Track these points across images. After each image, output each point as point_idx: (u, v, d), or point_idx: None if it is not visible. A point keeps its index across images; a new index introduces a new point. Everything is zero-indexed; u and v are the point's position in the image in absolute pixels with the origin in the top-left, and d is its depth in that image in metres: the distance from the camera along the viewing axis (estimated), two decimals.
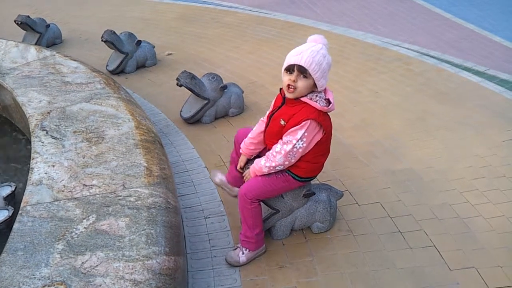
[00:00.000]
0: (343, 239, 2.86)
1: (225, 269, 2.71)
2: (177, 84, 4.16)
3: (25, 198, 2.42)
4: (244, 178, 2.71)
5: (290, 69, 2.32)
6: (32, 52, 4.68)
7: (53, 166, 2.70)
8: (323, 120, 2.40)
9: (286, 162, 2.45)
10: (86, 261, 2.01)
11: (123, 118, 3.23)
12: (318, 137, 2.44)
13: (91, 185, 2.52)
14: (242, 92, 4.50)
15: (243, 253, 2.71)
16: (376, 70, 5.19)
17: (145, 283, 1.91)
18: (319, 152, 2.52)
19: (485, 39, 5.89)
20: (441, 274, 2.54)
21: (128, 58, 5.66)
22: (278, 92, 2.59)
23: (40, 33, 6.80)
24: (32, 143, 2.99)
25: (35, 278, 1.93)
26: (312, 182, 2.83)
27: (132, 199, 2.39)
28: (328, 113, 2.48)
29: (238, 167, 2.81)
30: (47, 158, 2.78)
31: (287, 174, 2.57)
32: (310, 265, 2.68)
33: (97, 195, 2.43)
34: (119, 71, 5.68)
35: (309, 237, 2.89)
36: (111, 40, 5.45)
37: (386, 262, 2.66)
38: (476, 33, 6.13)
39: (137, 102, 3.88)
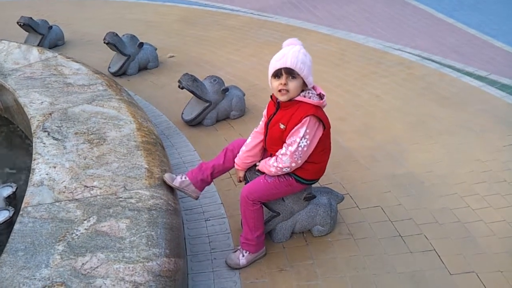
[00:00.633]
0: (343, 242, 2.86)
1: (225, 272, 2.71)
2: (179, 87, 4.16)
3: (26, 199, 2.43)
4: (257, 167, 2.69)
5: (277, 74, 2.36)
6: (34, 53, 4.70)
7: (55, 167, 2.71)
8: (321, 114, 2.43)
9: (293, 164, 2.45)
10: (87, 262, 2.01)
11: (125, 120, 3.23)
12: (319, 133, 2.44)
13: (92, 186, 2.52)
14: (244, 94, 4.50)
15: (243, 255, 2.70)
16: (377, 74, 5.19)
17: (145, 285, 1.92)
18: (322, 148, 2.52)
19: (487, 44, 5.90)
20: (441, 278, 2.54)
21: (130, 60, 5.67)
22: (269, 99, 2.60)
23: (43, 34, 6.82)
24: (33, 144, 2.99)
25: (35, 279, 1.93)
26: (313, 185, 2.83)
27: (133, 200, 2.39)
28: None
29: (238, 180, 2.81)
30: (48, 159, 2.79)
31: (290, 178, 2.57)
32: (310, 268, 2.68)
33: (98, 197, 2.43)
34: (121, 73, 5.68)
35: (310, 240, 2.89)
36: (113, 42, 5.46)
37: (386, 266, 2.65)
38: (478, 38, 6.13)
39: (139, 104, 3.88)
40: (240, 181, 2.82)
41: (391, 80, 5.01)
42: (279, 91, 2.39)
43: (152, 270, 1.99)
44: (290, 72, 2.33)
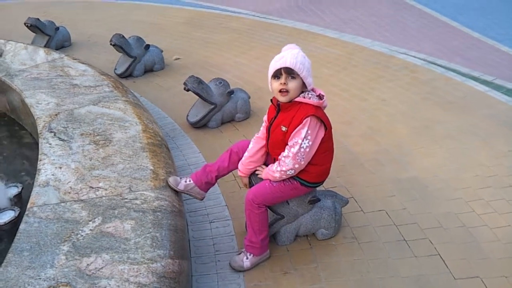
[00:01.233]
0: (347, 246, 2.85)
1: (229, 274, 2.71)
2: (185, 89, 4.18)
3: (31, 199, 2.44)
4: (257, 172, 2.70)
5: (277, 74, 2.40)
6: (41, 54, 4.72)
7: (60, 168, 2.72)
8: (321, 115, 2.44)
9: (296, 165, 2.45)
10: (91, 263, 2.01)
11: (131, 122, 3.25)
12: (321, 133, 2.45)
13: (98, 187, 2.53)
14: (249, 97, 4.51)
15: (247, 258, 2.71)
16: (383, 78, 5.19)
17: (150, 286, 1.92)
18: (324, 150, 2.52)
19: (492, 48, 5.89)
20: (446, 283, 2.53)
21: (136, 62, 5.70)
22: (270, 103, 2.61)
23: (49, 35, 6.86)
24: (39, 144, 3.01)
25: (40, 279, 1.94)
26: (318, 188, 2.83)
27: (138, 202, 2.40)
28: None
29: (244, 185, 2.82)
30: (54, 159, 2.80)
31: (295, 182, 2.57)
32: (314, 272, 2.68)
33: (104, 198, 2.44)
34: (127, 74, 5.71)
35: (314, 244, 2.89)
36: (120, 44, 5.49)
37: (390, 270, 2.65)
38: (483, 42, 6.13)
39: (145, 106, 3.90)
40: (246, 187, 2.82)
41: (396, 84, 5.01)
42: (280, 91, 2.41)
43: (156, 271, 1.99)
44: (289, 72, 2.36)
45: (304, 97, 2.42)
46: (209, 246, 2.93)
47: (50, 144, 2.98)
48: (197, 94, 4.18)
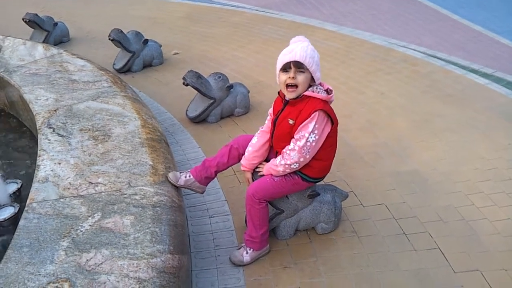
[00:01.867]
0: (347, 240, 2.85)
1: (229, 269, 2.71)
2: (183, 83, 4.17)
3: (31, 195, 2.44)
4: (257, 169, 2.70)
5: (286, 67, 2.38)
6: (40, 50, 4.71)
7: (59, 163, 2.72)
8: (329, 109, 2.43)
9: (302, 159, 2.44)
10: (91, 258, 2.01)
11: (130, 117, 3.24)
12: (328, 128, 2.45)
13: (97, 183, 2.53)
14: (248, 91, 4.50)
15: (247, 252, 2.71)
16: (382, 71, 5.18)
17: (149, 281, 1.92)
18: (329, 145, 2.52)
19: (493, 41, 5.87)
20: (446, 276, 2.54)
21: (135, 57, 5.68)
22: (277, 95, 2.60)
23: (48, 31, 6.84)
24: (38, 140, 3.01)
25: (40, 274, 1.94)
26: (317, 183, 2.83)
27: (137, 197, 2.40)
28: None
29: (247, 182, 2.80)
30: (53, 155, 2.80)
31: (296, 177, 2.57)
32: (314, 266, 2.68)
33: (103, 193, 2.44)
34: (125, 69, 5.70)
35: (314, 238, 2.89)
36: (118, 39, 5.47)
37: (390, 263, 2.65)
38: (483, 35, 6.10)
39: (144, 101, 3.89)
40: (248, 182, 2.80)
41: (395, 77, 5.00)
42: (287, 88, 2.40)
43: (156, 266, 1.99)
44: (299, 66, 2.34)
45: (313, 91, 2.40)
46: (209, 241, 2.93)
47: (49, 140, 2.98)
48: (196, 88, 4.17)
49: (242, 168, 2.74)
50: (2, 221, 2.78)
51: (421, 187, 3.25)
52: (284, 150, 2.49)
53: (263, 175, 2.62)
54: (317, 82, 2.43)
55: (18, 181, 3.17)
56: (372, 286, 2.52)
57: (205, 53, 6.20)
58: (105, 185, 2.51)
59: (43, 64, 4.31)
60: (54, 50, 4.69)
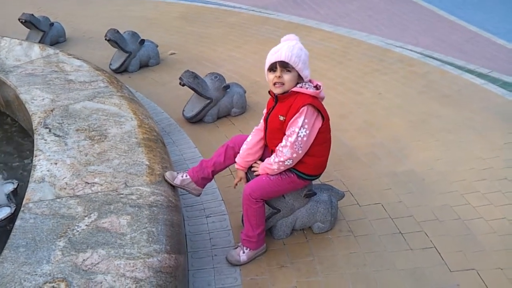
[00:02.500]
0: (344, 239, 2.86)
1: (226, 268, 2.71)
2: (180, 84, 4.17)
3: (27, 195, 2.44)
4: (253, 169, 2.71)
5: (272, 67, 2.42)
6: (36, 50, 4.70)
7: (56, 163, 2.71)
8: (318, 104, 2.45)
9: (294, 155, 2.45)
10: (88, 258, 2.01)
11: (126, 117, 3.24)
12: (318, 123, 2.46)
13: (93, 183, 2.53)
14: (245, 92, 4.50)
15: (243, 252, 2.71)
16: (379, 71, 5.19)
17: (146, 280, 1.92)
18: (322, 141, 2.53)
19: (489, 41, 5.89)
20: (442, 275, 2.54)
21: (131, 57, 5.68)
22: (269, 95, 2.61)
23: (44, 31, 6.83)
24: (35, 140, 3.00)
25: (36, 274, 1.94)
26: (314, 182, 2.83)
27: (133, 197, 2.40)
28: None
29: (238, 180, 2.81)
30: (49, 155, 2.80)
31: (292, 175, 2.58)
32: (310, 265, 2.69)
33: (99, 193, 2.44)
34: (122, 70, 5.69)
35: (310, 237, 2.90)
36: (115, 39, 5.47)
37: (386, 263, 2.66)
38: (479, 35, 6.12)
39: (140, 101, 3.89)
40: (239, 182, 2.81)
41: (392, 77, 5.01)
42: (274, 84, 2.43)
43: (152, 266, 2.00)
44: (284, 66, 2.37)
45: (301, 87, 2.43)
46: (205, 240, 2.93)
47: (46, 140, 2.97)
48: (192, 89, 4.17)
49: (236, 167, 2.75)
50: None
51: (418, 187, 3.26)
52: (277, 147, 2.50)
53: (259, 175, 2.63)
54: (305, 79, 2.46)
55: (14, 181, 3.16)
56: (368, 285, 2.53)
57: (201, 53, 6.20)
58: (101, 185, 2.51)
59: (39, 64, 4.31)
60: (50, 50, 4.68)
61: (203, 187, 2.82)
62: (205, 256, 2.81)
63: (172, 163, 3.06)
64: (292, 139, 2.41)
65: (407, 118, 4.17)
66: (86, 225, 2.21)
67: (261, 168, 2.61)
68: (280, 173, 2.57)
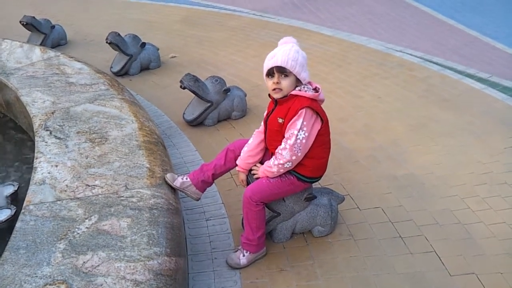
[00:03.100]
0: (344, 243, 2.86)
1: (226, 271, 2.71)
2: (181, 87, 4.18)
3: (28, 197, 2.44)
4: (253, 172, 2.71)
5: (270, 73, 2.43)
6: (37, 52, 4.71)
7: (56, 166, 2.72)
8: (317, 107, 2.45)
9: (294, 157, 2.45)
10: (88, 260, 2.02)
11: (127, 120, 3.24)
12: (317, 126, 2.47)
13: (94, 185, 2.53)
14: (245, 95, 4.51)
15: (243, 255, 2.71)
16: (379, 75, 5.20)
17: (146, 283, 1.92)
18: (321, 143, 2.53)
19: (488, 45, 5.90)
20: (441, 279, 2.54)
21: (132, 60, 5.69)
22: (269, 98, 2.62)
23: (45, 34, 6.84)
24: (35, 142, 3.01)
25: (36, 276, 1.94)
26: (314, 186, 2.83)
27: (134, 199, 2.40)
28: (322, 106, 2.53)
29: (241, 182, 2.81)
30: (50, 158, 2.80)
31: (292, 177, 2.58)
32: (310, 269, 2.69)
33: (100, 196, 2.44)
34: (123, 73, 5.70)
35: (310, 241, 2.90)
36: (116, 42, 5.48)
37: (386, 266, 2.66)
38: (479, 39, 6.14)
39: (141, 104, 3.90)
40: (243, 184, 2.81)
41: (392, 81, 5.02)
42: (273, 89, 2.44)
43: (153, 268, 2.00)
44: (281, 71, 2.38)
45: (300, 90, 2.44)
46: (205, 243, 2.94)
47: (46, 142, 2.98)
48: (193, 92, 4.18)
49: (237, 169, 2.75)
50: None
51: (418, 191, 3.26)
52: (276, 150, 2.51)
53: (258, 178, 2.63)
54: (304, 82, 2.45)
55: (15, 183, 3.17)
56: None
57: (202, 57, 6.21)
58: (102, 187, 2.51)
59: (40, 67, 4.32)
60: (51, 53, 4.69)
61: (203, 191, 2.82)
62: (205, 259, 2.81)
63: (172, 166, 3.07)
64: (291, 141, 2.42)
65: (407, 122, 4.18)
66: (87, 227, 2.21)
67: (261, 171, 2.62)
68: (280, 175, 2.57)
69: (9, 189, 3.11)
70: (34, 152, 2.91)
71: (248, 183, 2.73)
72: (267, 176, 2.59)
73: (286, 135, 2.46)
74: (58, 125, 3.19)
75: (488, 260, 2.64)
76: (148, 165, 2.72)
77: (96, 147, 2.91)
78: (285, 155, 2.45)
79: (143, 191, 2.48)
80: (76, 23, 8.14)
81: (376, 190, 3.30)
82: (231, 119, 4.47)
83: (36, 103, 3.54)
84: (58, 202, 2.39)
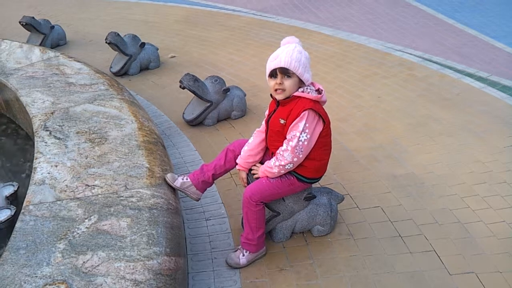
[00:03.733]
0: (343, 242, 2.86)
1: (225, 271, 2.72)
2: (180, 87, 4.18)
3: (27, 198, 2.44)
4: (253, 171, 2.71)
5: (273, 74, 2.42)
6: (36, 53, 4.71)
7: (56, 166, 2.72)
8: (319, 109, 2.45)
9: (295, 159, 2.45)
10: (88, 260, 2.02)
11: (126, 120, 3.25)
12: (319, 127, 2.46)
13: (94, 185, 2.53)
14: (245, 95, 4.51)
15: (243, 255, 2.71)
16: (378, 75, 5.20)
17: (146, 283, 1.92)
18: (322, 145, 2.53)
19: (488, 45, 5.90)
20: (441, 278, 2.55)
21: (132, 60, 5.69)
22: (271, 98, 2.61)
23: (45, 34, 6.84)
24: (35, 143, 3.01)
25: (36, 276, 1.94)
26: (314, 185, 2.83)
27: (134, 199, 2.40)
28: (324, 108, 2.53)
29: (242, 182, 2.81)
30: (50, 158, 2.80)
31: (292, 178, 2.58)
32: (310, 268, 2.69)
33: (99, 196, 2.44)
34: (122, 73, 5.70)
35: (310, 240, 2.90)
36: (115, 42, 5.48)
37: (386, 266, 2.66)
38: (479, 39, 6.14)
39: (140, 104, 3.90)
40: (244, 184, 2.81)
41: (392, 81, 5.02)
42: (275, 90, 2.43)
43: (152, 268, 2.00)
44: (284, 72, 2.37)
45: (303, 91, 2.43)
46: (205, 243, 2.94)
47: (46, 142, 2.98)
48: (192, 92, 4.18)
49: (238, 167, 2.75)
50: None
51: (417, 190, 3.26)
52: (277, 151, 2.50)
53: (258, 178, 2.63)
54: (306, 83, 2.44)
55: (15, 183, 3.17)
56: None
57: (202, 57, 6.22)
58: (101, 187, 2.51)
59: (40, 67, 4.32)
60: (51, 53, 4.69)
61: (203, 192, 2.83)
62: (204, 259, 2.81)
63: (172, 165, 3.07)
64: (293, 143, 2.41)
65: (407, 121, 4.18)
66: (86, 227, 2.21)
67: (261, 171, 2.62)
68: (280, 176, 2.57)
69: (9, 189, 3.12)
70: (33, 152, 2.91)
71: (248, 182, 2.74)
72: (267, 176, 2.59)
73: (288, 137, 2.45)
74: (58, 125, 3.19)
75: (487, 259, 2.64)
76: (147, 165, 2.72)
77: (96, 147, 2.91)
78: (287, 156, 2.45)
79: (143, 191, 2.48)
80: (76, 23, 8.15)
81: (376, 190, 3.30)
82: (230, 118, 4.48)
83: (36, 103, 3.54)
84: (58, 202, 2.39)
